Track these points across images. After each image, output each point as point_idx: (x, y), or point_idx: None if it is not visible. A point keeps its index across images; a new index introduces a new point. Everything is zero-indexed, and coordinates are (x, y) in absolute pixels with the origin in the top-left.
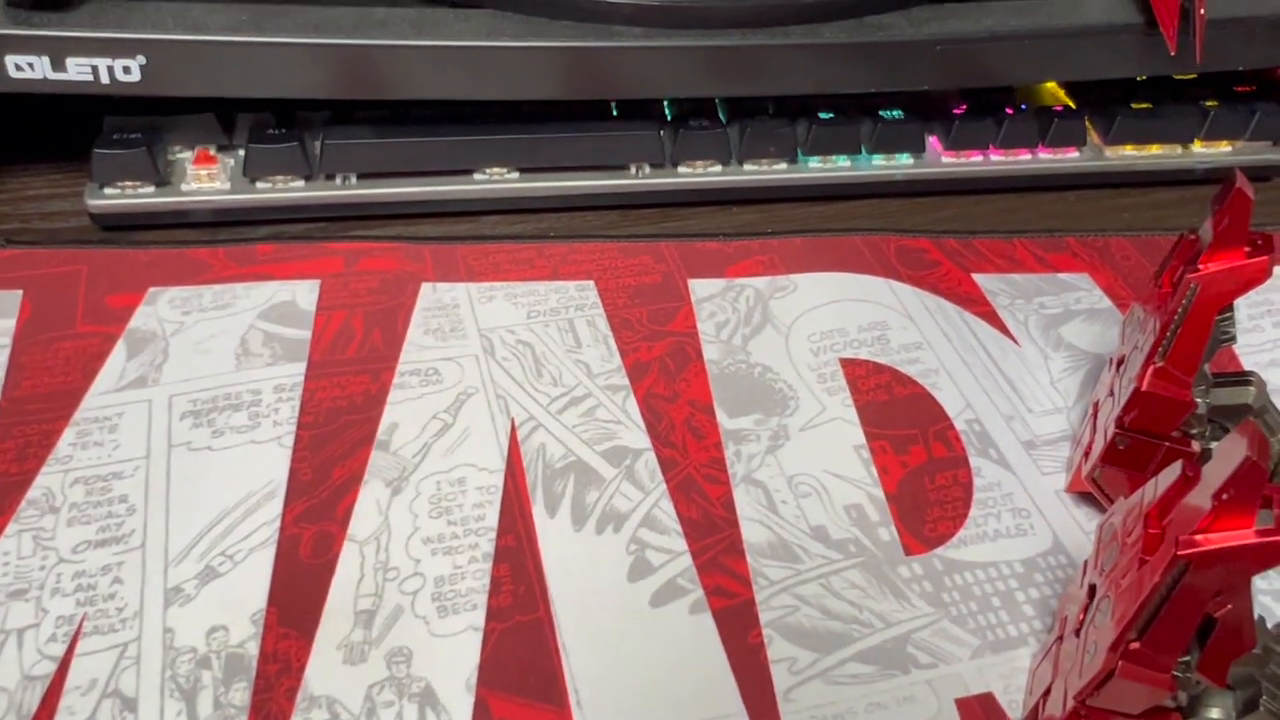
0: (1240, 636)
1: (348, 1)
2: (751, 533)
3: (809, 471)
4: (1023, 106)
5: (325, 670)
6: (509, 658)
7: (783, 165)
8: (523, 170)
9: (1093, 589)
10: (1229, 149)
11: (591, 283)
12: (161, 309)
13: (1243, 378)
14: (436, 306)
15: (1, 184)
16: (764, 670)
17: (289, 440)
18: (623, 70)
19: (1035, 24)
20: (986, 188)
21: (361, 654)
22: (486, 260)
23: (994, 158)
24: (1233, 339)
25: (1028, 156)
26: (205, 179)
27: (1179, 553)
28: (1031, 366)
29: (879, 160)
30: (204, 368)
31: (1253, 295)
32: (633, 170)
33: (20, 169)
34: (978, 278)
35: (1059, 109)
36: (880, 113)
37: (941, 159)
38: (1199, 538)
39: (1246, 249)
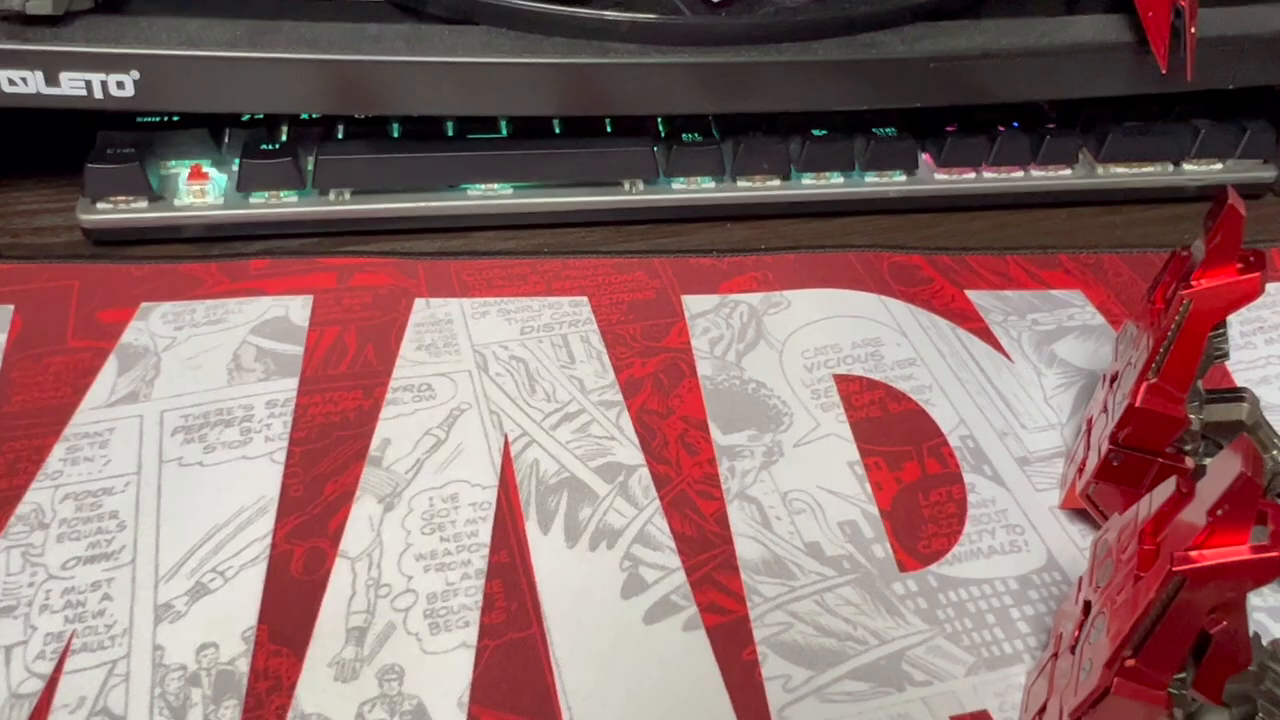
0: (1236, 653)
1: (342, 17)
2: (745, 549)
3: (803, 488)
4: (1015, 124)
5: (316, 688)
6: (502, 675)
7: (776, 182)
8: (516, 186)
9: (1088, 605)
10: (1220, 167)
11: (585, 298)
12: (153, 324)
13: (1236, 394)
14: (430, 322)
15: None
16: (758, 688)
17: (281, 456)
18: (617, 87)
19: (1028, 42)
20: (979, 205)
21: (353, 671)
22: (480, 276)
23: (986, 175)
24: (1226, 355)
25: (1020, 174)
26: (198, 194)
27: (1174, 568)
28: (1025, 383)
29: (872, 177)
30: (196, 383)
31: (1245, 312)
32: (626, 186)
33: (12, 183)
34: (971, 294)
35: (1051, 127)
36: (873, 130)
37: (934, 176)
38: (1194, 554)
39: (1239, 265)
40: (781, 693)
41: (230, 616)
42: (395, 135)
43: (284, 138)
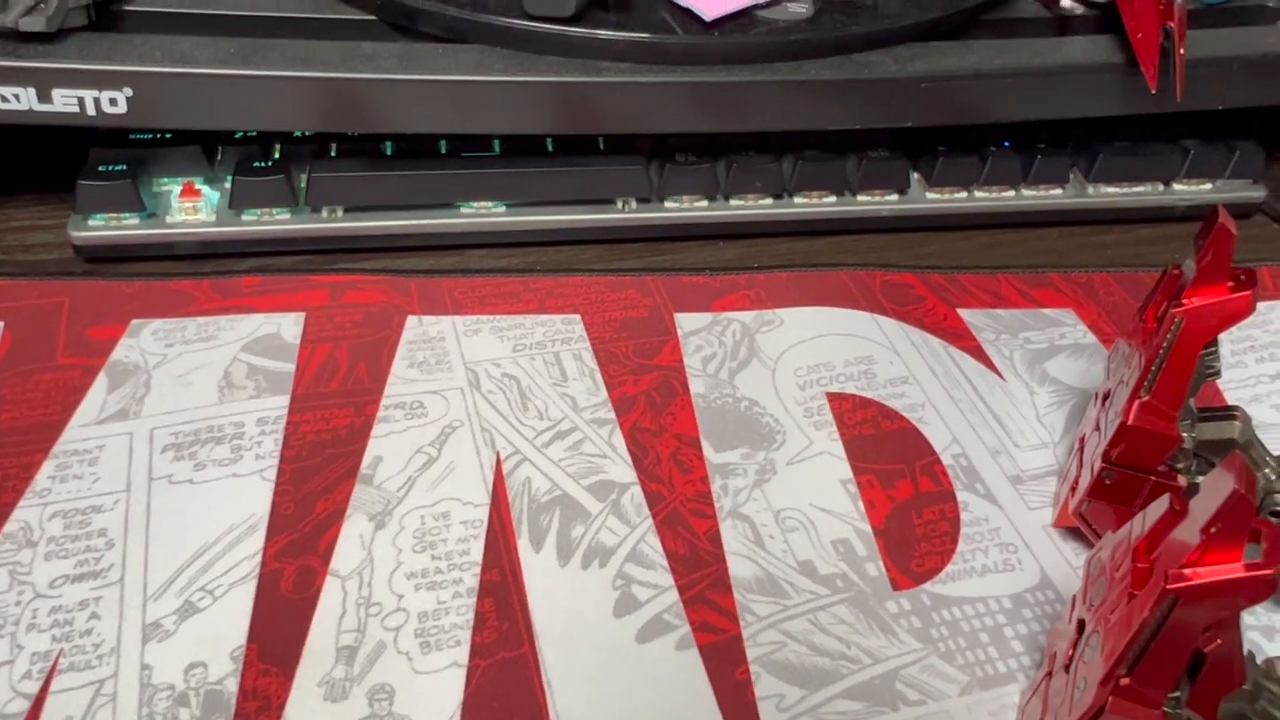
0: (1231, 672)
1: (335, 35)
2: (738, 568)
3: (796, 506)
4: (1006, 144)
5: (306, 708)
6: (493, 695)
7: (769, 200)
8: (509, 204)
9: (1081, 624)
10: (1209, 187)
11: (578, 316)
12: (144, 341)
13: (1228, 413)
14: (422, 339)
15: None
16: (751, 707)
17: (271, 474)
18: (610, 106)
19: (1018, 63)
20: (971, 224)
21: (343, 691)
22: (472, 294)
23: (978, 194)
24: (1217, 373)
25: (1011, 193)
26: (190, 211)
27: (1168, 586)
28: (1017, 401)
29: (864, 196)
30: (186, 400)
31: (1235, 331)
32: (619, 205)
33: (4, 200)
34: (963, 313)
35: (1042, 147)
36: (866, 149)
37: (926, 195)
38: (1188, 571)
39: (1230, 284)
40: (775, 712)
41: (219, 635)
42: (388, 153)
43: (277, 155)
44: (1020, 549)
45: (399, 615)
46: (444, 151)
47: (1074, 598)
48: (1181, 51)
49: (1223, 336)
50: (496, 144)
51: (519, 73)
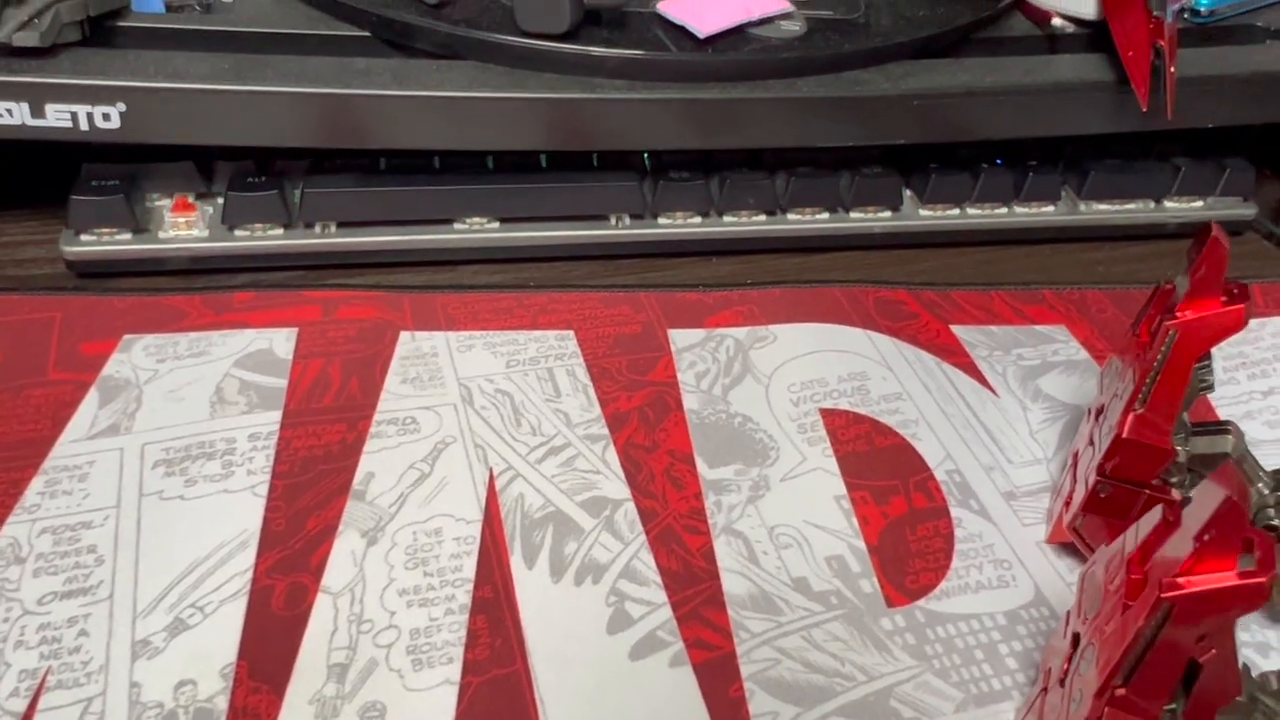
0: (1226, 683)
1: (329, 51)
2: (732, 584)
3: (790, 522)
4: (998, 161)
5: None
6: (485, 712)
7: (762, 217)
8: (503, 220)
9: (1076, 638)
10: (1200, 204)
11: (571, 332)
12: (136, 356)
13: (1221, 427)
14: (415, 355)
15: None
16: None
17: (263, 489)
18: (604, 122)
19: (1010, 80)
20: (964, 240)
21: (334, 709)
22: (465, 309)
23: (970, 211)
24: (1210, 387)
25: (1004, 210)
26: (183, 226)
27: (1162, 595)
28: (1010, 417)
29: (857, 213)
30: (178, 416)
31: (1227, 348)
32: (613, 221)
33: None
34: (956, 329)
35: (1034, 164)
36: (858, 166)
37: (919, 212)
38: (1181, 580)
39: (1223, 298)
40: None
41: (209, 653)
42: (382, 169)
43: (270, 171)
44: (1014, 565)
45: (391, 632)
46: (438, 167)
47: (1068, 613)
48: (1172, 70)
49: (1214, 353)
50: (490, 160)
51: (513, 89)
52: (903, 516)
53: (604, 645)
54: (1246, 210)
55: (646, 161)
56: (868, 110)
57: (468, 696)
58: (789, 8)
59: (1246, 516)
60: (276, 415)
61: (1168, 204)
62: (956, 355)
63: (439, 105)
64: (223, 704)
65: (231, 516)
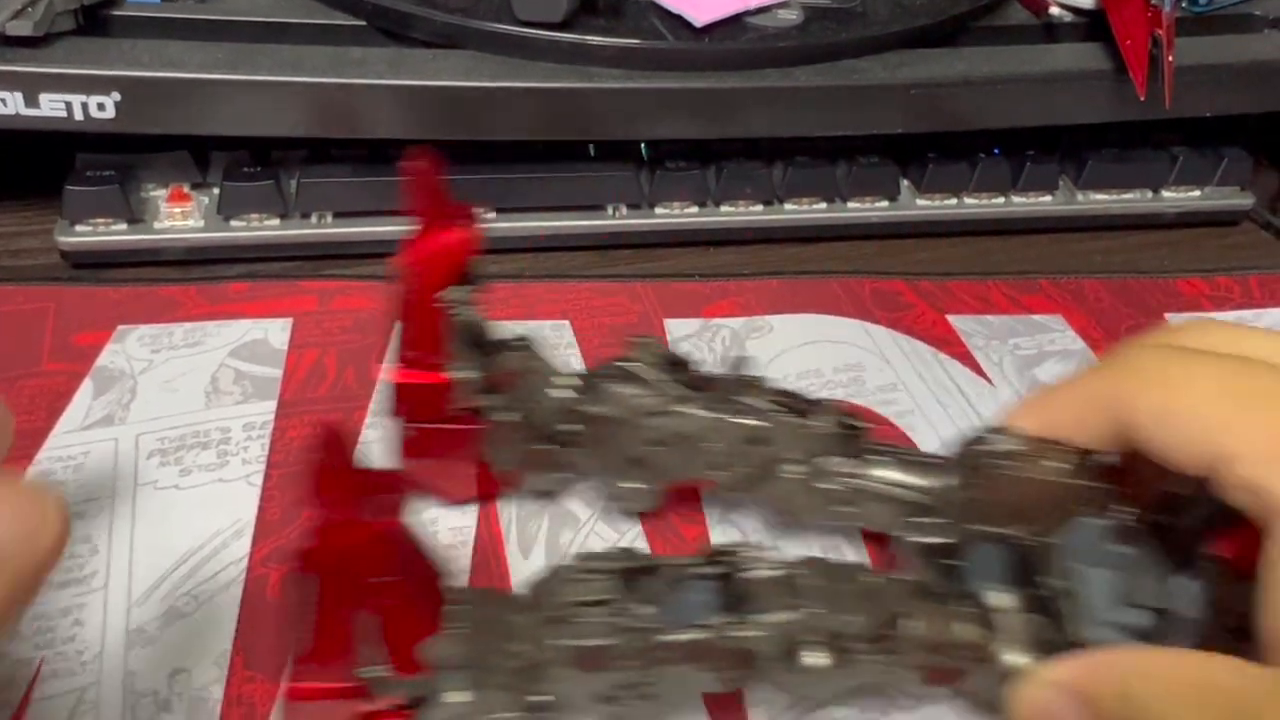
0: (418, 619)
1: (324, 41)
2: None
3: None
4: (995, 151)
5: None
6: None
7: (759, 207)
8: (499, 210)
9: None
10: (1198, 194)
11: (567, 322)
12: (130, 347)
13: (518, 342)
14: None
15: None
16: (741, 714)
17: (258, 479)
18: (600, 111)
19: (1007, 69)
20: (961, 230)
21: None
22: None
23: (968, 201)
24: (473, 311)
25: (1001, 200)
26: (179, 217)
27: (296, 566)
28: (1007, 407)
29: (854, 203)
30: (173, 406)
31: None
32: (610, 211)
33: None
34: (952, 319)
35: (1031, 154)
36: (856, 156)
37: (916, 202)
38: (308, 547)
39: (447, 222)
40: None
41: (204, 642)
42: (378, 159)
43: (266, 161)
44: None
45: None
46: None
47: None
48: (1170, 58)
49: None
50: (487, 149)
51: (509, 78)
52: None
53: None
54: (1244, 200)
55: (644, 151)
56: (865, 99)
57: None
58: None
59: (343, 472)
60: (272, 405)
61: (1165, 193)
62: (952, 345)
63: (435, 95)
64: (218, 693)
65: (226, 506)
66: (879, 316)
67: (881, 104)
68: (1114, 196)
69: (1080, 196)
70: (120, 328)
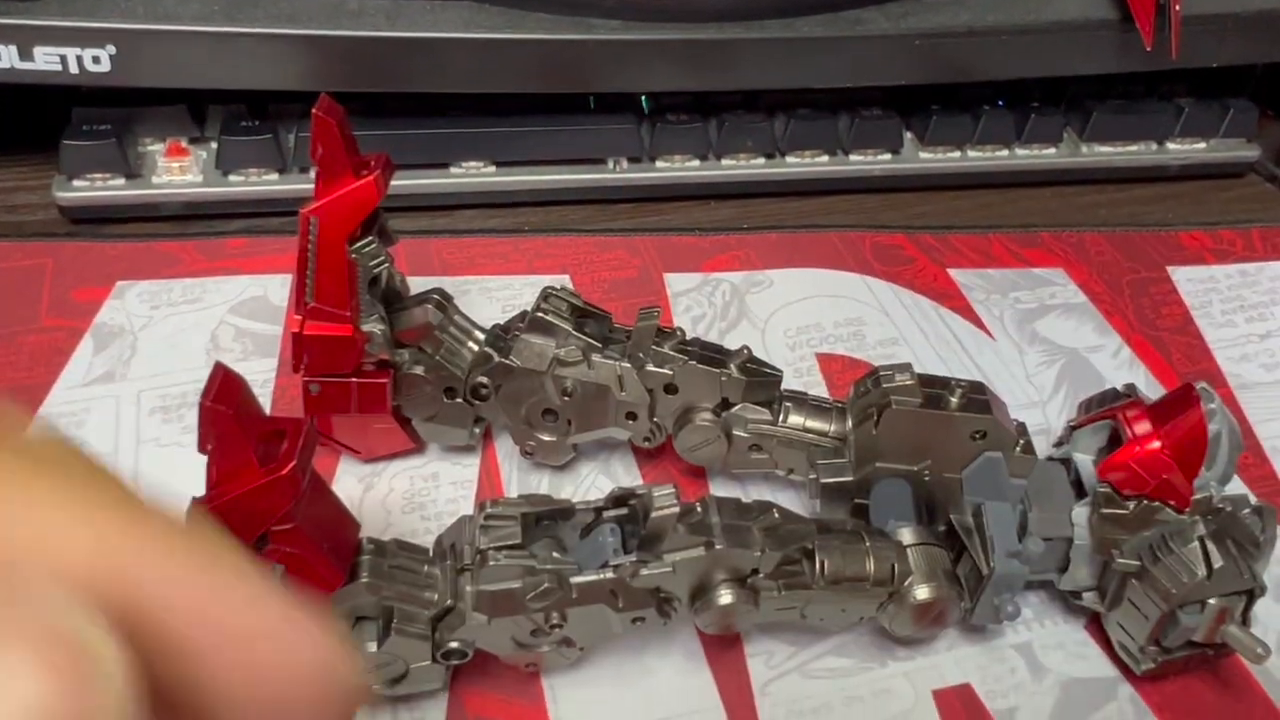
0: (327, 569)
1: None
2: None
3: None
4: (999, 103)
5: None
6: (484, 653)
7: (760, 160)
8: (499, 164)
9: None
10: (1203, 146)
11: (567, 276)
12: (129, 303)
13: (422, 298)
14: None
15: None
16: (741, 664)
17: None
18: (600, 63)
19: (1012, 19)
20: (964, 183)
21: None
22: (461, 254)
23: (971, 154)
24: (384, 261)
25: (1005, 152)
26: (176, 171)
27: (191, 513)
28: (1007, 361)
29: (857, 156)
30: (173, 363)
31: (1226, 291)
32: (610, 164)
33: None
34: (953, 272)
35: (1036, 106)
36: (858, 108)
37: (919, 155)
38: (213, 493)
39: (352, 173)
40: (764, 669)
41: None
42: (376, 111)
43: (264, 115)
44: None
45: None
46: (433, 110)
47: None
48: (1177, 8)
49: (1213, 298)
50: (486, 102)
51: (508, 29)
52: None
53: None
54: (1249, 152)
55: (644, 104)
56: (867, 50)
57: None
58: None
59: (234, 420)
60: (272, 363)
61: (1170, 145)
62: (953, 299)
63: (433, 47)
64: None
65: None
66: (880, 271)
67: (885, 55)
68: (1118, 149)
69: (1084, 149)
70: (119, 284)
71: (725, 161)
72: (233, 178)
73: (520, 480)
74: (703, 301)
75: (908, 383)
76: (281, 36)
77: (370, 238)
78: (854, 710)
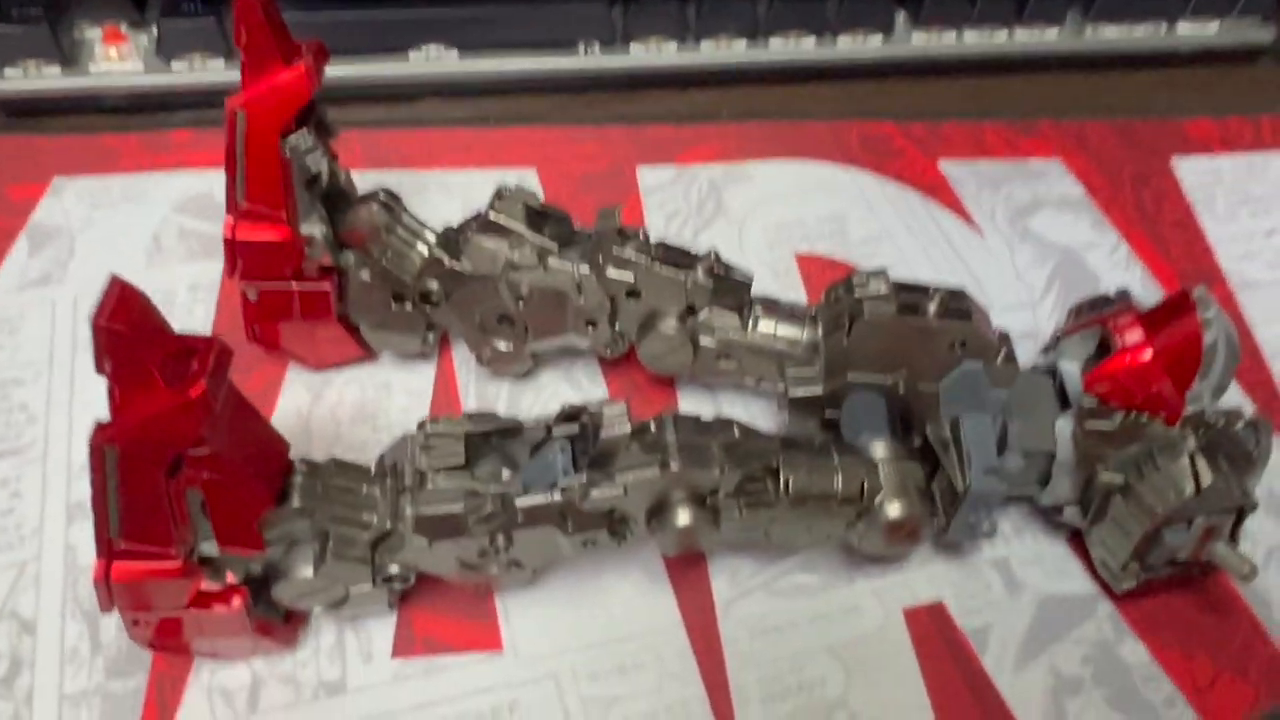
0: (252, 493)
1: None
2: None
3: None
4: None
5: None
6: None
7: (742, 43)
8: (462, 49)
9: None
10: (1215, 26)
11: (533, 170)
12: (67, 201)
13: (368, 197)
14: None
15: None
16: (704, 582)
17: None
18: None
19: None
20: (958, 68)
21: None
22: (420, 146)
23: (968, 36)
24: (321, 158)
25: (1004, 34)
26: (115, 59)
27: (95, 441)
28: (998, 259)
29: (845, 39)
30: (114, 265)
31: (1231, 184)
32: (581, 49)
33: None
34: (944, 164)
35: None
36: None
37: (912, 37)
38: (114, 421)
39: (281, 61)
40: (727, 587)
41: None
42: None
43: None
44: None
45: None
46: None
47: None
48: None
49: (1217, 191)
50: None
51: None
52: None
53: None
54: (1264, 34)
55: None
56: None
57: None
58: None
59: (134, 340)
60: (218, 265)
61: (1180, 26)
62: (942, 193)
63: None
64: None
65: None
66: (866, 163)
67: None
68: (1125, 30)
69: (1089, 30)
70: (57, 179)
71: (704, 44)
72: (175, 65)
73: (478, 389)
74: (677, 197)
75: (882, 290)
76: None
77: (306, 132)
78: (819, 629)
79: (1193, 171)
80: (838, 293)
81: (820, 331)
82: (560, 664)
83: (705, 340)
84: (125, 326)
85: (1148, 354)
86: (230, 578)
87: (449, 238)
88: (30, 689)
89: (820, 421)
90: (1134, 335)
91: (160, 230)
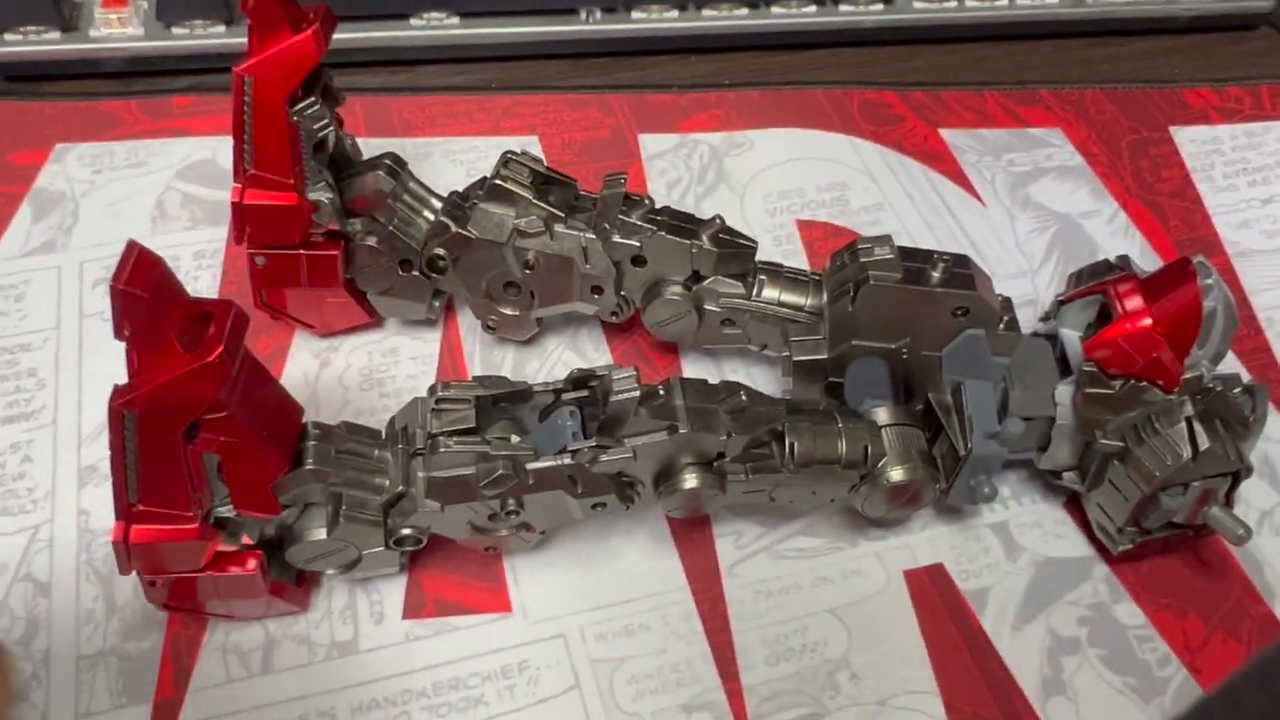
0: (267, 456)
1: None
2: None
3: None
4: None
5: None
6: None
7: (744, 10)
8: (464, 15)
9: None
10: None
11: (535, 138)
12: (70, 167)
13: (374, 162)
14: None
15: None
16: (709, 545)
17: None
18: None
19: None
20: (959, 36)
21: None
22: (422, 113)
23: (969, 3)
24: (328, 125)
25: (1005, 2)
26: (116, 24)
27: (114, 405)
28: (997, 227)
29: (847, 6)
30: (117, 231)
31: (1229, 153)
32: (583, 15)
33: None
34: (945, 133)
35: None
36: None
37: (913, 4)
38: (135, 382)
39: (288, 26)
40: (732, 550)
41: None
42: None
43: None
44: None
45: None
46: None
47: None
48: None
49: (1216, 160)
50: None
51: None
52: None
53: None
54: (1263, 2)
55: None
56: None
57: None
58: None
59: (152, 303)
60: (222, 231)
61: None
62: (944, 162)
63: None
64: None
65: None
66: (867, 131)
67: None
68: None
69: None
70: (58, 146)
71: (706, 11)
72: (176, 30)
73: (483, 356)
74: (679, 164)
75: (887, 256)
76: None
77: (313, 98)
78: (822, 590)
79: (1191, 140)
80: (843, 259)
81: (825, 297)
82: (568, 625)
83: (710, 306)
84: (143, 290)
85: (1148, 321)
86: (245, 539)
87: (455, 204)
88: (47, 650)
89: (824, 386)
90: (1134, 302)
91: (164, 196)
